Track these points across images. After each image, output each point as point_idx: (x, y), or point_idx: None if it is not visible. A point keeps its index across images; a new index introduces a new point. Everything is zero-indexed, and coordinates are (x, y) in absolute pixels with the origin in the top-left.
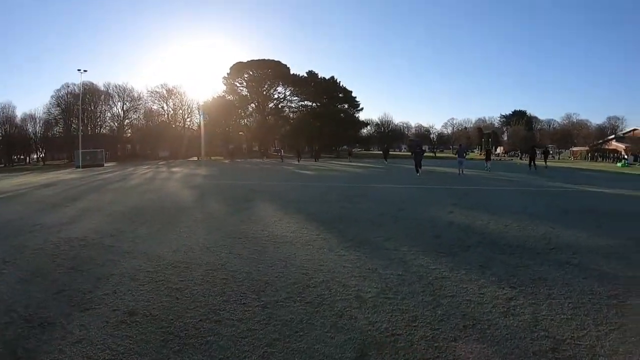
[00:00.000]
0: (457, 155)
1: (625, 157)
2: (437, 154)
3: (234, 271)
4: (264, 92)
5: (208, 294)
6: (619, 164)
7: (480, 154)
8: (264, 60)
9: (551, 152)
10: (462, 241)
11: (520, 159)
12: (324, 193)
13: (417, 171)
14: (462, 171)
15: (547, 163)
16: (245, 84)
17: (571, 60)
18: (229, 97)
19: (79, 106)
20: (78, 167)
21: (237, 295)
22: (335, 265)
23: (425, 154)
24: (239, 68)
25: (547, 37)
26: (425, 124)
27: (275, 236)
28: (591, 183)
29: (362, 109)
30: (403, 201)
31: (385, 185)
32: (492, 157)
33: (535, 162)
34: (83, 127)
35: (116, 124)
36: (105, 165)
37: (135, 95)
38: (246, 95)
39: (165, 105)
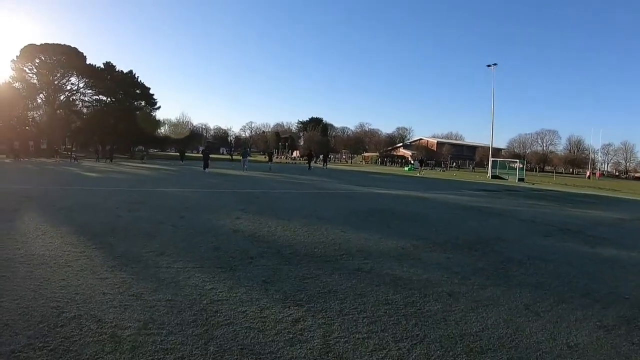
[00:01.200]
0: (241, 157)
1: (412, 162)
2: (234, 157)
3: None
4: (56, 82)
5: None
6: (406, 168)
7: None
8: (59, 44)
9: (330, 156)
10: (245, 252)
11: (316, 162)
12: (103, 198)
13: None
14: (245, 170)
15: (327, 165)
16: (35, 70)
17: (368, 73)
18: (16, 84)
19: None
20: None
21: None
22: (94, 292)
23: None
24: (30, 51)
25: (341, 50)
26: (224, 126)
27: (31, 256)
28: (378, 185)
29: (159, 107)
30: (187, 207)
31: (173, 190)
32: (273, 159)
33: (311, 164)
34: None
35: None
36: None
37: None
38: (35, 83)
39: None
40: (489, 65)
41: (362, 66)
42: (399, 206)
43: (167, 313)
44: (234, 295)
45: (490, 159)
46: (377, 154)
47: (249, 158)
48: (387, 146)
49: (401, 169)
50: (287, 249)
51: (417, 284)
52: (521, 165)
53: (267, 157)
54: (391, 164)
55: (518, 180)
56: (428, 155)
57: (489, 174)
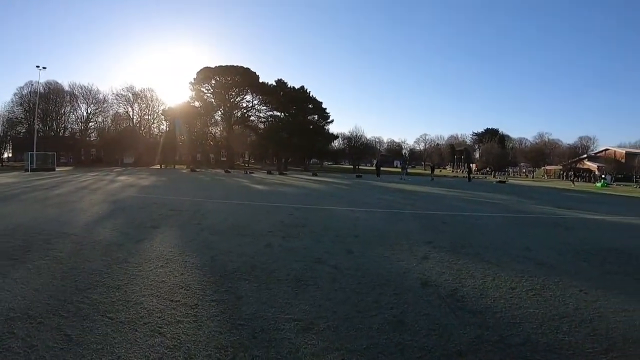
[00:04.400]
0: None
1: (603, 176)
2: (409, 170)
3: None
4: (231, 100)
5: None
6: (598, 184)
7: (453, 171)
8: (232, 66)
9: (509, 170)
10: (448, 334)
11: (494, 176)
12: (258, 217)
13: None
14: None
15: (508, 179)
16: (212, 90)
17: (544, 80)
18: (195, 103)
19: (37, 104)
20: (27, 170)
21: None
22: None
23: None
24: (205, 73)
25: (518, 55)
26: (397, 139)
27: (120, 303)
28: (583, 208)
29: (332, 121)
30: (357, 235)
31: (341, 209)
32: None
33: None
34: (46, 128)
35: (81, 126)
36: (57, 169)
37: (101, 97)
38: (212, 102)
39: (130, 109)
40: None
41: (538, 67)
42: (624, 242)
43: None
44: None
45: None
46: (560, 166)
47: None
48: (570, 158)
49: (589, 184)
50: (513, 328)
51: None
52: None
53: (376, 170)
54: (577, 179)
55: None
56: (617, 167)
57: None
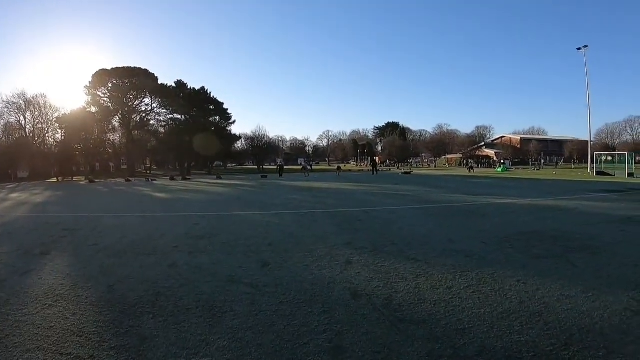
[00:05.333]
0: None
1: (503, 162)
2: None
3: None
4: (130, 104)
5: None
6: (498, 169)
7: (358, 165)
8: (129, 67)
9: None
10: (400, 356)
11: (398, 168)
12: (161, 231)
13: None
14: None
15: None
16: (108, 94)
17: (440, 73)
18: (91, 109)
19: None
20: None
21: None
22: None
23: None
24: (101, 76)
25: (414, 51)
26: (300, 137)
27: None
28: (488, 193)
29: (234, 121)
30: (271, 244)
31: (251, 214)
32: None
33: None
34: None
35: None
36: None
37: None
38: (109, 107)
39: (23, 117)
40: (579, 48)
41: (435, 64)
42: (542, 224)
43: None
44: None
45: (594, 153)
46: (460, 155)
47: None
48: (469, 146)
49: (490, 170)
50: (464, 336)
51: None
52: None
53: (278, 170)
54: (477, 165)
55: (628, 176)
56: (513, 153)
57: (593, 170)
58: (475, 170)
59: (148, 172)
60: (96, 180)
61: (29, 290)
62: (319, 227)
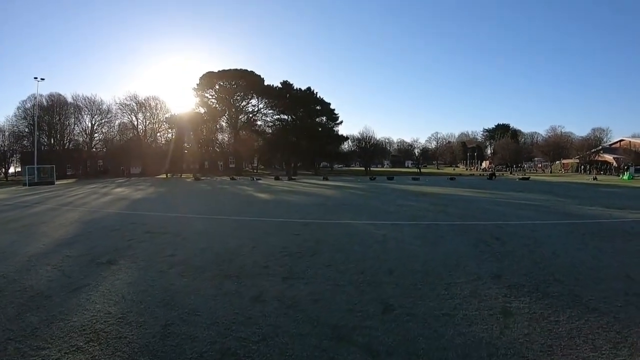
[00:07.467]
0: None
1: (626, 167)
2: (422, 170)
3: None
4: (236, 105)
5: None
6: (624, 177)
7: (468, 170)
8: (235, 69)
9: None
10: None
11: (510, 173)
12: (254, 242)
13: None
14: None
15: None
16: (216, 95)
17: (553, 73)
18: (200, 110)
19: (36, 116)
20: (25, 184)
21: None
22: None
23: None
24: (208, 78)
25: (527, 51)
26: (408, 139)
27: None
28: (628, 206)
29: (341, 122)
30: (392, 270)
31: (361, 223)
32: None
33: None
34: (52, 141)
35: (86, 138)
36: (57, 183)
37: (105, 108)
38: (217, 107)
39: (135, 118)
40: None
41: (548, 61)
42: None
43: None
44: None
45: None
46: (577, 160)
47: None
48: (587, 150)
49: (613, 177)
50: None
51: None
52: None
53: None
54: (596, 172)
55: None
56: (635, 158)
57: None
58: (594, 175)
59: (254, 171)
60: (202, 178)
61: (66, 316)
62: (448, 246)
